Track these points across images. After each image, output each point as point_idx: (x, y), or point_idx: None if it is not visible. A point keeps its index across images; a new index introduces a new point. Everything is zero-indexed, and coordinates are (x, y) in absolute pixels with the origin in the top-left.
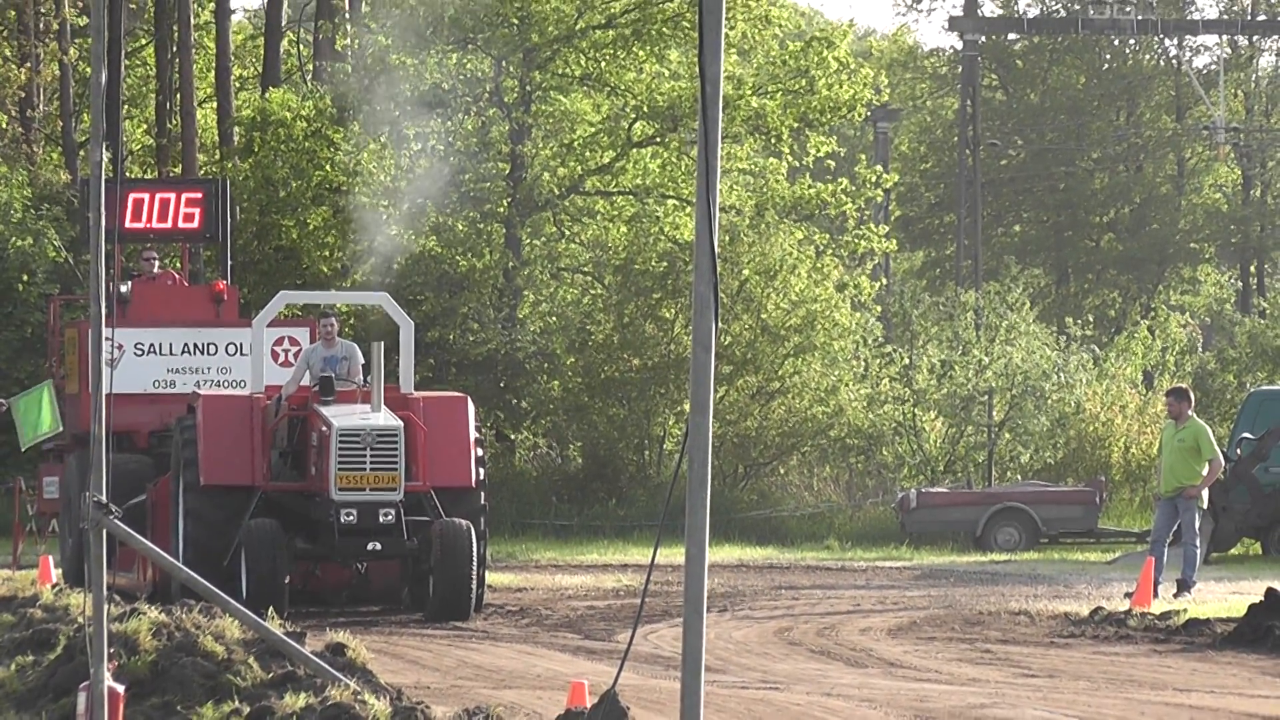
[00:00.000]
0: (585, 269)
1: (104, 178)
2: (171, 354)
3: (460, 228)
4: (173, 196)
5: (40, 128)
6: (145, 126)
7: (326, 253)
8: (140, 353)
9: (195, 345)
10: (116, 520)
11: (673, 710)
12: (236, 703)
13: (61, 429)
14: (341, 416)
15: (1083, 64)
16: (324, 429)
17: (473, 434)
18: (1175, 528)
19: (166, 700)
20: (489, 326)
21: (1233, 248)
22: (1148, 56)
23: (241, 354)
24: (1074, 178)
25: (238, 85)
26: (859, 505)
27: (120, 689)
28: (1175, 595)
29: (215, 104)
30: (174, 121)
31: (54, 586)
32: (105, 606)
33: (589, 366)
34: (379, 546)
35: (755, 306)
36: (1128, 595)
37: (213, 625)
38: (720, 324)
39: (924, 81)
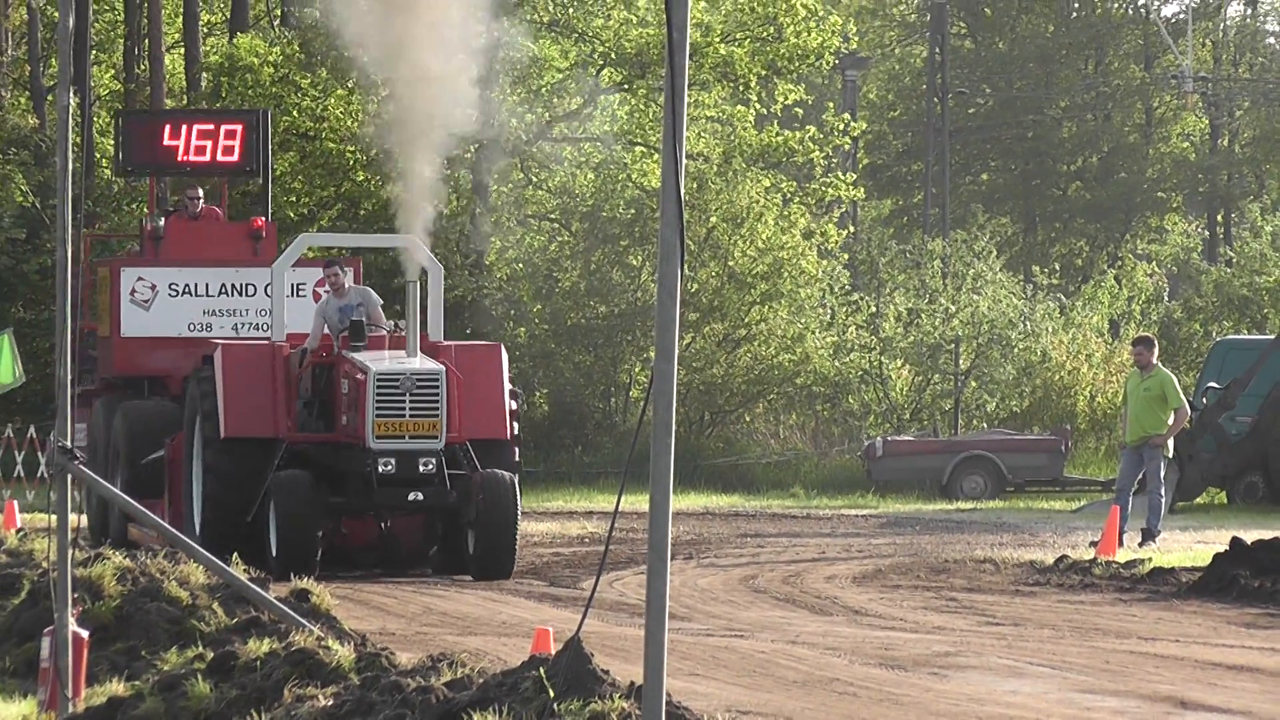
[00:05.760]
0: (552, 216)
1: (72, 116)
2: (208, 295)
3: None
4: (212, 128)
5: (8, 72)
6: (113, 71)
7: (294, 198)
8: (175, 293)
9: (233, 286)
10: (81, 465)
11: (637, 657)
12: (200, 648)
13: (24, 380)
14: (377, 361)
15: (1051, 12)
16: (358, 375)
17: (506, 385)
18: (1140, 476)
19: (131, 645)
20: (456, 273)
21: (1200, 197)
22: (1116, 5)
23: None
24: (1042, 126)
25: (205, 30)
26: (825, 453)
27: (84, 634)
28: (1140, 544)
29: (183, 49)
30: (142, 66)
31: (18, 531)
32: (70, 551)
33: (556, 314)
34: (420, 497)
35: (722, 253)
36: (1093, 544)
37: (177, 571)
38: (687, 271)
39: (892, 29)
